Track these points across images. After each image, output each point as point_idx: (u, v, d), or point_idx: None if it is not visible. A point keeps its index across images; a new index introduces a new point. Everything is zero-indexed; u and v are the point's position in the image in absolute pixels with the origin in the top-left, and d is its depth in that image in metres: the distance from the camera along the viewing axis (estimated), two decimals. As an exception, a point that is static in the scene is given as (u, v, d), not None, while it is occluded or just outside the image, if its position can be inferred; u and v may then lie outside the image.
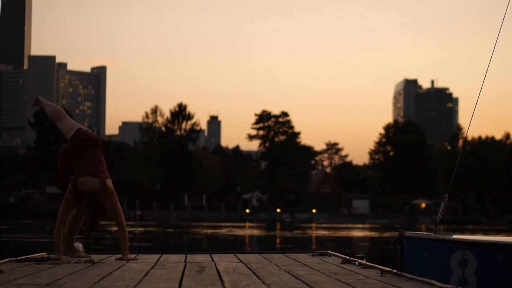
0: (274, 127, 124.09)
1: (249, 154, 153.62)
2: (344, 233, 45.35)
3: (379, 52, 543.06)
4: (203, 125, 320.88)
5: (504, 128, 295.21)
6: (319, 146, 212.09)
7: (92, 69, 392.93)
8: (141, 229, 48.79)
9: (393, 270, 6.28)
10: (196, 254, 8.84)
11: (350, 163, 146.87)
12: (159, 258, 7.93)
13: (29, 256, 7.71)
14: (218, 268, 6.69)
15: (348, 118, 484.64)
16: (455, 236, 7.29)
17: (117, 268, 6.61)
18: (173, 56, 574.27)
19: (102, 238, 31.10)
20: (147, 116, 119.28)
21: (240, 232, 45.86)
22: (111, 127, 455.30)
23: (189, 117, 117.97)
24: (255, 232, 46.91)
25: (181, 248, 24.43)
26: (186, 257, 8.20)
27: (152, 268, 6.63)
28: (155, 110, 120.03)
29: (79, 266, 6.77)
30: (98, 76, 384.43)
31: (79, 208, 7.98)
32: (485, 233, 44.51)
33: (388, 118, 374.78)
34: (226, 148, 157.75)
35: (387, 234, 42.55)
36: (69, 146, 8.14)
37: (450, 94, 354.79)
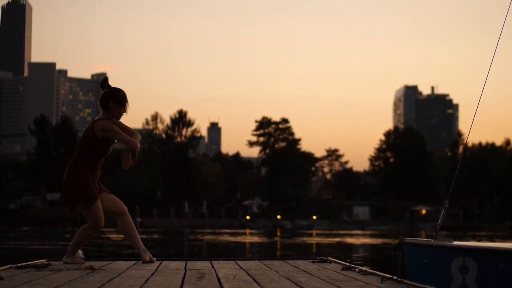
0: (275, 134, 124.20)
1: (249, 160, 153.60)
2: (344, 240, 45.32)
3: (379, 58, 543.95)
4: (204, 132, 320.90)
5: (504, 133, 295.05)
6: (319, 152, 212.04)
7: (92, 76, 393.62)
8: (141, 236, 48.75)
9: (394, 277, 6.27)
10: (196, 261, 8.82)
11: (350, 169, 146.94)
12: (159, 265, 7.92)
13: (29, 262, 7.69)
14: (218, 274, 6.68)
15: (348, 125, 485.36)
16: (455, 243, 7.28)
17: (117, 275, 6.61)
18: (173, 62, 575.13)
19: (103, 245, 31.08)
20: (147, 123, 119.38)
21: (240, 238, 45.84)
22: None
23: (189, 123, 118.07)
24: (256, 238, 46.88)
25: (181, 255, 24.42)
26: (186, 264, 8.18)
27: (152, 274, 6.62)
28: (155, 117, 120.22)
29: (79, 273, 6.76)
30: (98, 83, 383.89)
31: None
32: (485, 239, 44.49)
33: (388, 125, 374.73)
34: (227, 155, 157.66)
35: (387, 241, 42.51)
36: None
37: (450, 101, 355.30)
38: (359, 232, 73.31)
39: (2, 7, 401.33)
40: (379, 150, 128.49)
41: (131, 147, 7.76)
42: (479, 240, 38.40)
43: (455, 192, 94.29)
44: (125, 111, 7.85)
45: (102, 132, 7.67)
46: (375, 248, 35.13)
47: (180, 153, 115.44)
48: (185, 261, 8.70)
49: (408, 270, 7.47)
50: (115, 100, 7.74)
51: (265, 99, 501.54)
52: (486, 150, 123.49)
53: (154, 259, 8.29)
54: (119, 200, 8.10)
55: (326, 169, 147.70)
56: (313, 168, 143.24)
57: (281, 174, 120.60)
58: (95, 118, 7.85)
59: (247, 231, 70.85)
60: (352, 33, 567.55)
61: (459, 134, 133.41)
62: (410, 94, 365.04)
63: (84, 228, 7.91)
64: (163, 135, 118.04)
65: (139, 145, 7.83)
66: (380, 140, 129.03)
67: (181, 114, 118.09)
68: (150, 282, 5.86)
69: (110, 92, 7.79)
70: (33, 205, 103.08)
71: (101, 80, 7.82)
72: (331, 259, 8.73)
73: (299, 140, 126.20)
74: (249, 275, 6.71)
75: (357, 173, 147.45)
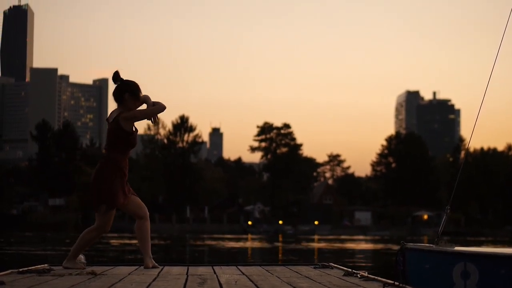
0: (276, 139, 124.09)
1: (251, 166, 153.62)
2: (346, 245, 45.30)
3: (381, 63, 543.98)
4: (205, 137, 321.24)
5: (506, 138, 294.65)
6: (321, 157, 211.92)
7: (94, 81, 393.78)
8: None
9: (395, 283, 6.27)
10: (198, 266, 8.83)
11: (352, 174, 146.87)
12: (161, 270, 7.93)
13: (30, 267, 7.70)
14: (220, 280, 6.68)
15: (350, 130, 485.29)
16: (457, 248, 7.27)
17: (119, 280, 6.61)
18: (175, 68, 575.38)
19: (105, 250, 31.08)
20: (149, 128, 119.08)
21: (242, 244, 45.82)
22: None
23: (191, 129, 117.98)
24: (257, 244, 46.86)
25: (183, 260, 24.42)
26: (188, 269, 8.19)
27: (154, 280, 6.63)
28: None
29: (81, 278, 6.77)
30: (100, 88, 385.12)
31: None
32: (487, 244, 44.46)
33: (390, 130, 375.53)
34: (228, 160, 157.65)
35: (389, 246, 42.49)
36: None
37: (452, 106, 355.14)
38: (361, 237, 73.28)
39: (4, 13, 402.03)
40: (381, 155, 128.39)
41: (161, 112, 8.01)
42: (484, 246, 38.35)
43: (456, 197, 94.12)
44: (139, 101, 7.94)
45: (128, 121, 7.79)
46: (377, 253, 35.11)
47: (181, 158, 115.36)
48: (187, 267, 8.71)
49: (410, 275, 7.46)
50: (129, 91, 7.86)
51: (267, 104, 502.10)
52: (488, 155, 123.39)
53: (157, 265, 8.32)
54: (143, 204, 8.24)
55: (328, 175, 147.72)
56: (314, 174, 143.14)
57: (282, 179, 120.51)
58: (113, 116, 7.87)
59: (249, 236, 70.81)
60: (354, 38, 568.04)
61: (461, 139, 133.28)
62: (411, 99, 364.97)
63: (90, 230, 7.95)
64: (165, 141, 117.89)
65: (165, 106, 7.99)
66: (382, 146, 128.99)
67: (183, 120, 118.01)
68: (152, 288, 5.86)
69: (123, 84, 7.92)
70: (34, 210, 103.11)
71: (113, 74, 7.93)
72: (333, 264, 8.74)
73: (301, 145, 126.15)
74: (251, 280, 6.72)
75: (359, 178, 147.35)
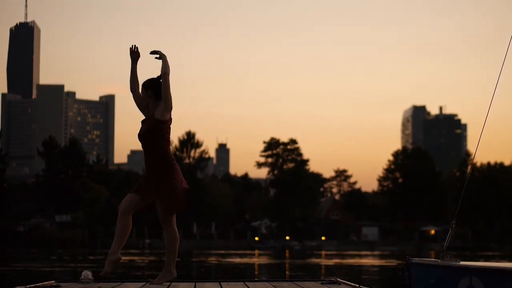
0: (283, 155, 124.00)
1: (258, 181, 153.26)
2: (353, 261, 45.21)
3: (387, 78, 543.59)
4: (212, 153, 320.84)
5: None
6: (327, 173, 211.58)
7: (101, 97, 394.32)
8: (150, 257, 48.75)
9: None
10: (205, 282, 8.85)
11: (359, 190, 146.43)
12: (169, 286, 7.95)
13: (37, 284, 7.73)
14: (227, 295, 6.70)
15: (356, 145, 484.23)
16: (462, 262, 7.29)
17: (126, 296, 6.63)
18: (181, 84, 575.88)
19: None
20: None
21: (249, 260, 45.76)
22: (120, 156, 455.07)
23: (197, 145, 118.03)
24: (264, 260, 46.79)
25: (190, 276, 24.40)
26: (195, 285, 8.21)
27: (161, 296, 6.64)
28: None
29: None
30: (106, 104, 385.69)
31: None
32: (493, 259, 44.34)
33: (397, 145, 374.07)
34: (235, 176, 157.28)
35: (396, 261, 42.39)
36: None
37: (459, 121, 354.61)
38: (368, 252, 73.10)
39: (11, 30, 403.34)
40: (388, 170, 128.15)
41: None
42: (490, 260, 38.24)
43: (463, 212, 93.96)
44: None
45: (167, 111, 8.60)
46: (384, 269, 35.04)
47: (188, 174, 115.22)
48: (194, 283, 8.73)
49: (416, 290, 7.47)
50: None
51: (273, 120, 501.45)
52: (495, 170, 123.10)
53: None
54: None
55: (334, 190, 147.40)
56: (321, 189, 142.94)
57: (289, 195, 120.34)
58: (150, 123, 8.34)
59: (256, 252, 70.71)
60: (360, 54, 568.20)
61: (468, 154, 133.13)
62: (418, 114, 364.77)
63: (172, 232, 8.03)
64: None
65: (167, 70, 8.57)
66: (389, 161, 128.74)
67: (190, 136, 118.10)
68: (159, 303, 5.88)
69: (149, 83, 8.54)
70: (41, 227, 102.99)
71: (144, 83, 8.57)
72: (340, 280, 8.75)
73: (307, 160, 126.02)
74: (257, 296, 6.74)
75: (366, 193, 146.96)
